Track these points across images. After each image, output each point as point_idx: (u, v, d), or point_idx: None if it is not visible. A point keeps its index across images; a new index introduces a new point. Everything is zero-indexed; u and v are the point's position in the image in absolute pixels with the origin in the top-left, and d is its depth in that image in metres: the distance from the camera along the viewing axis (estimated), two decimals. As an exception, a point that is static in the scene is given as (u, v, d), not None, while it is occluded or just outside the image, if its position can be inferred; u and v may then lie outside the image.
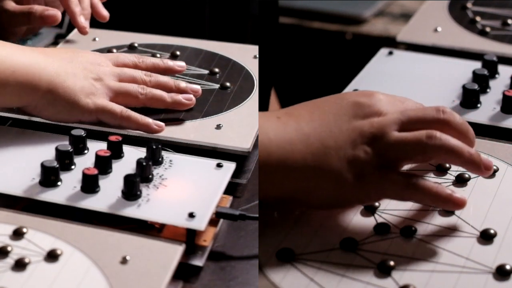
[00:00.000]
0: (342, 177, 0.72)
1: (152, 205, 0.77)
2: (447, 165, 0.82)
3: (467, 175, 0.80)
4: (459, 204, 0.73)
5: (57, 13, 0.99)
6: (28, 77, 0.85)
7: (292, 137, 0.73)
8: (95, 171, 0.78)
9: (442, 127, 0.75)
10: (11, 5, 1.02)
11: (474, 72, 0.94)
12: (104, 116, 0.88)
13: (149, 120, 0.88)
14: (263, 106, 1.17)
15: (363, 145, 0.73)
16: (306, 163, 0.72)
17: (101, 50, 1.06)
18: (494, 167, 0.81)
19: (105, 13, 1.06)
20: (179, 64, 0.97)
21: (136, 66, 0.94)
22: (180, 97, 0.92)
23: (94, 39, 1.09)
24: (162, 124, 0.89)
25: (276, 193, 0.73)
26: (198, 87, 0.94)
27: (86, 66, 0.90)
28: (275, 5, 1.15)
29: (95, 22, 1.11)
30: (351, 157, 0.72)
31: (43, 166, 0.79)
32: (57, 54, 0.89)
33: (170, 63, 0.96)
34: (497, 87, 0.94)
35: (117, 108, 0.88)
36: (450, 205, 0.73)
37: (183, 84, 0.93)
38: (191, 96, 0.92)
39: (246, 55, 1.06)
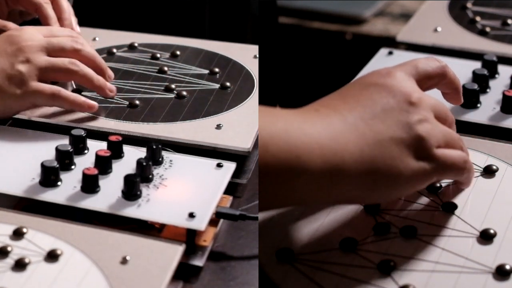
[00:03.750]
0: (404, 162, 0.68)
1: (152, 205, 0.77)
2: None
3: (467, 175, 0.80)
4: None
5: None
6: None
7: (341, 129, 0.67)
8: (95, 171, 0.78)
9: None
10: None
11: (474, 72, 0.94)
12: (35, 101, 0.88)
13: (81, 99, 0.89)
14: (264, 105, 1.16)
15: (415, 126, 0.69)
16: (363, 155, 0.67)
17: (101, 50, 1.07)
18: (494, 167, 0.81)
19: (77, 31, 1.04)
20: (110, 87, 0.95)
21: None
22: (107, 84, 0.93)
23: (94, 39, 1.10)
24: (94, 104, 0.90)
25: (323, 199, 0.69)
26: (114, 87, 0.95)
27: (13, 51, 0.89)
28: (273, 5, 1.15)
29: (95, 22, 1.11)
30: (407, 140, 0.68)
31: (43, 166, 0.79)
32: None
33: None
34: (497, 87, 0.94)
35: (47, 89, 0.88)
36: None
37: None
38: (114, 88, 0.94)
39: (246, 55, 1.06)
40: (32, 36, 0.91)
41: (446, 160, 0.70)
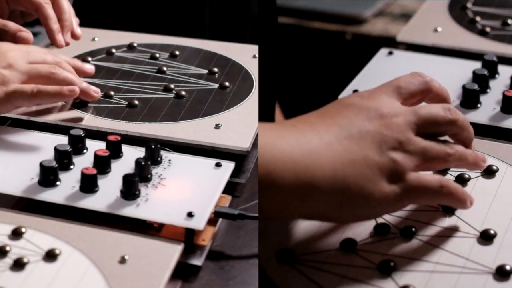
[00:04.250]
0: (375, 184, 0.68)
1: (151, 205, 0.76)
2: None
3: (467, 175, 0.80)
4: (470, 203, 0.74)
5: (29, 36, 0.97)
6: None
7: (316, 145, 0.67)
8: (94, 171, 0.78)
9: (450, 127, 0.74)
10: None
11: (474, 72, 0.94)
12: (17, 101, 0.87)
13: (62, 88, 0.88)
14: (268, 110, 1.16)
15: (390, 150, 0.69)
16: (335, 173, 0.67)
17: (100, 50, 1.07)
18: (494, 168, 0.81)
19: (78, 32, 1.03)
20: (89, 67, 0.96)
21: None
22: (90, 86, 0.92)
23: (94, 39, 1.09)
24: (74, 87, 0.89)
25: (295, 214, 0.70)
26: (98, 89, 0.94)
27: None
28: (273, 5, 1.15)
29: (95, 22, 1.11)
30: (381, 163, 0.68)
31: (42, 166, 0.79)
32: None
33: (79, 63, 0.95)
34: (497, 87, 0.94)
35: (27, 87, 0.87)
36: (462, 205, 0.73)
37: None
38: (98, 89, 0.93)
39: (246, 55, 1.06)
40: (13, 48, 0.90)
41: (418, 185, 0.70)
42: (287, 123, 0.69)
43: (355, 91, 0.94)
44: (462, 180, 0.80)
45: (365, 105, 0.71)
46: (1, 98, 0.86)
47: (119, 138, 0.84)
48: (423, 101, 0.76)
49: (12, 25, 0.98)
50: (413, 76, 0.75)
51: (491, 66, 0.96)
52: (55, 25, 1.00)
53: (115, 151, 0.83)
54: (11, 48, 0.90)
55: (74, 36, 1.03)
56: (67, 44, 1.00)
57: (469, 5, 1.12)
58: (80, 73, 0.96)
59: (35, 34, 1.13)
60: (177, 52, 1.06)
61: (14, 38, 0.97)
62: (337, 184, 0.67)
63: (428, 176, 0.71)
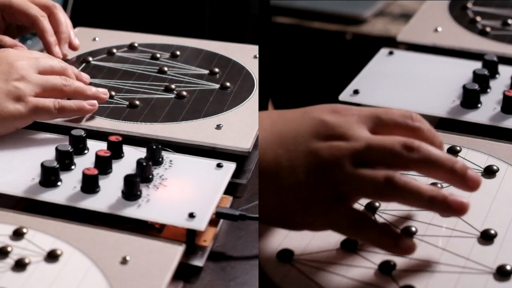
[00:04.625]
0: (289, 200, 0.68)
1: (152, 205, 0.77)
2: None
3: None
4: (406, 251, 0.68)
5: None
6: None
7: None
8: (95, 171, 0.78)
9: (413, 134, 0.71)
10: None
11: (474, 72, 0.94)
12: (39, 116, 0.87)
13: (82, 103, 0.89)
14: (264, 105, 1.17)
15: (317, 172, 0.68)
16: (261, 178, 0.69)
17: (101, 50, 1.07)
18: (495, 167, 0.81)
19: (76, 43, 1.03)
20: (86, 76, 0.96)
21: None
22: (98, 89, 0.92)
23: (94, 39, 1.10)
24: (94, 102, 0.90)
25: None
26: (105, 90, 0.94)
27: (3, 68, 0.87)
28: (267, 4, 1.15)
29: (95, 22, 1.11)
30: (302, 182, 0.68)
31: (43, 166, 0.79)
32: None
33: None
34: (497, 87, 0.94)
35: (49, 103, 0.87)
36: (396, 251, 0.68)
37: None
38: (106, 90, 0.93)
39: (246, 55, 1.06)
40: (19, 55, 0.89)
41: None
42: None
43: (355, 91, 0.94)
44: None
45: (324, 120, 0.70)
46: (24, 115, 0.85)
47: (120, 138, 0.84)
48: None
49: (7, 40, 0.98)
50: (403, 115, 0.72)
51: (491, 66, 0.96)
52: (51, 38, 1.00)
53: (116, 152, 0.83)
54: (18, 57, 0.89)
55: (73, 47, 1.03)
56: (64, 56, 1.00)
57: (469, 5, 1.12)
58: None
59: (26, 40, 1.14)
60: (178, 52, 1.06)
61: None
62: (261, 186, 0.69)
63: (341, 210, 0.68)
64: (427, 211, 0.75)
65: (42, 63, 0.90)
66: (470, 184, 0.69)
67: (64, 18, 1.02)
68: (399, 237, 0.68)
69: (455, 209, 0.67)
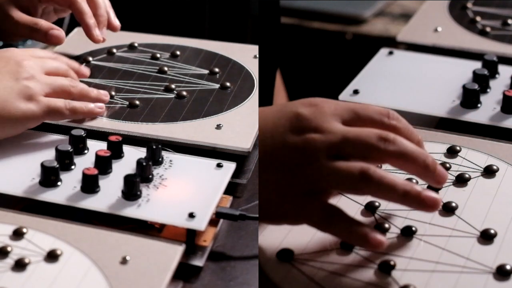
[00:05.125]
0: (268, 194, 0.69)
1: (152, 205, 0.77)
2: (447, 165, 0.82)
3: (467, 175, 0.80)
4: (376, 245, 0.67)
5: (61, 34, 0.96)
6: None
7: None
8: (95, 171, 0.78)
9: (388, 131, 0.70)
10: (17, 14, 0.98)
11: (474, 72, 0.94)
12: (51, 117, 0.86)
13: (92, 106, 0.89)
14: (264, 105, 1.17)
15: (293, 166, 0.68)
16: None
17: (101, 50, 1.07)
18: (494, 167, 0.81)
19: (116, 23, 1.03)
20: (86, 70, 0.96)
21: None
22: (100, 91, 0.93)
23: (94, 39, 1.09)
24: (103, 105, 0.90)
25: None
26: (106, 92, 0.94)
27: (12, 67, 0.85)
28: (276, 5, 1.15)
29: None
30: (278, 176, 0.68)
31: (43, 166, 0.79)
32: None
33: (77, 65, 0.95)
34: (497, 87, 0.94)
35: (61, 103, 0.86)
36: (365, 246, 0.68)
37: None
38: (106, 92, 0.93)
39: (246, 55, 1.06)
40: (25, 55, 0.88)
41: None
42: None
43: (355, 91, 0.94)
44: (462, 180, 0.80)
45: (299, 113, 0.70)
46: (37, 115, 0.84)
47: (120, 138, 0.84)
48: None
49: (43, 23, 0.96)
50: (380, 112, 0.72)
51: (491, 66, 0.96)
52: (91, 20, 0.98)
53: (116, 152, 0.83)
54: (24, 56, 0.88)
55: (113, 28, 1.02)
56: (103, 40, 0.99)
57: (469, 5, 1.12)
58: (78, 75, 0.96)
59: (25, 40, 1.13)
60: (178, 52, 1.06)
61: (46, 36, 0.96)
62: None
63: (314, 205, 0.69)
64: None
65: (49, 64, 0.89)
66: (437, 179, 0.70)
67: (102, 1, 1.01)
68: (369, 233, 0.67)
69: (427, 205, 0.68)
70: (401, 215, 0.75)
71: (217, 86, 0.99)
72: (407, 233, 0.73)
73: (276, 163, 0.69)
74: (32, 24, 0.96)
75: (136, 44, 1.08)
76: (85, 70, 0.97)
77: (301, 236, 0.73)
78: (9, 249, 0.71)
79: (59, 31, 0.96)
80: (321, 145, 0.68)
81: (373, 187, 0.67)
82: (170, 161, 0.83)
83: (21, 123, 0.84)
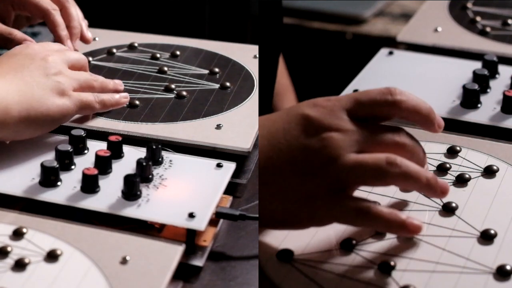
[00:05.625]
0: (290, 198, 0.69)
1: (152, 205, 0.77)
2: (447, 165, 0.82)
3: (467, 175, 0.80)
4: (414, 230, 0.69)
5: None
6: None
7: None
8: (95, 171, 0.78)
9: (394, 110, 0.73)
10: None
11: (474, 72, 0.94)
12: (83, 111, 0.87)
13: (116, 96, 0.91)
14: (264, 105, 1.17)
15: (315, 167, 0.68)
16: (261, 180, 0.69)
17: (101, 50, 1.07)
18: (494, 167, 0.81)
19: (88, 36, 1.03)
20: (118, 82, 0.96)
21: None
22: (115, 81, 0.94)
23: (94, 39, 1.09)
24: (127, 95, 0.92)
25: None
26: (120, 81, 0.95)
27: (39, 63, 0.85)
28: (278, 5, 1.15)
29: (95, 22, 1.11)
30: (301, 180, 0.68)
31: (43, 166, 0.79)
32: (2, 69, 0.84)
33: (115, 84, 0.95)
34: (497, 87, 0.94)
35: (91, 97, 0.87)
36: (404, 232, 0.69)
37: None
38: (127, 94, 0.94)
39: (246, 55, 1.06)
40: (46, 50, 0.88)
41: (341, 205, 0.69)
42: None
43: (355, 91, 0.94)
44: (462, 180, 0.80)
45: (307, 115, 0.71)
46: (71, 110, 0.85)
47: (120, 138, 0.84)
48: (391, 118, 0.74)
49: (17, 33, 0.96)
50: (381, 92, 0.73)
51: (491, 66, 0.96)
52: (63, 32, 0.98)
53: (116, 152, 0.83)
54: (47, 52, 0.88)
55: (85, 40, 1.02)
56: (75, 50, 1.00)
57: (469, 5, 1.12)
58: (83, 40, 0.99)
59: (35, 34, 1.14)
60: (178, 52, 1.06)
61: None
62: (260, 188, 0.69)
63: (344, 201, 0.69)
64: (426, 211, 0.75)
65: (70, 56, 0.90)
66: (441, 193, 0.72)
67: (76, 13, 1.01)
68: (405, 220, 0.69)
69: (442, 192, 0.71)
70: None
71: (217, 86, 0.99)
72: (407, 233, 0.73)
73: (295, 167, 0.69)
74: (7, 34, 0.96)
75: (136, 44, 1.08)
76: (88, 36, 1.00)
77: (301, 236, 0.73)
78: (9, 249, 0.71)
79: (32, 42, 0.97)
80: (341, 142, 0.69)
81: (400, 175, 0.69)
82: (170, 161, 0.83)
83: (58, 119, 0.84)
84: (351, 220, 0.69)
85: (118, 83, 0.94)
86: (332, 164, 0.69)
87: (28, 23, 1.05)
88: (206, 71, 1.02)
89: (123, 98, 0.92)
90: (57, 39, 0.98)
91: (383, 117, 0.73)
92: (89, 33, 1.03)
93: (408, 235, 0.72)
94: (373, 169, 0.69)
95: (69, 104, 0.85)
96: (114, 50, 1.07)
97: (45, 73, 0.85)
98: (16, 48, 0.89)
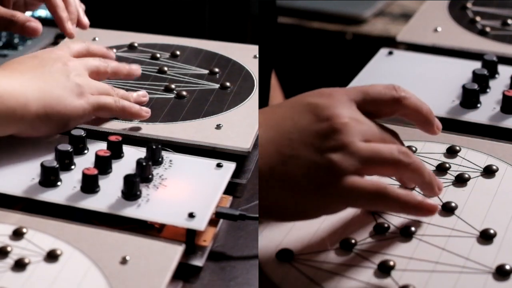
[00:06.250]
0: (301, 186, 0.68)
1: (152, 205, 0.77)
2: (447, 165, 0.82)
3: (467, 175, 0.80)
4: (430, 210, 0.71)
5: (38, 26, 0.96)
6: (10, 108, 0.80)
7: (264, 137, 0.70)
8: (95, 171, 0.78)
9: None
10: None
11: (474, 72, 0.94)
12: (101, 113, 0.88)
13: (141, 110, 0.90)
14: (263, 104, 1.17)
15: (327, 152, 0.68)
16: (262, 174, 0.69)
17: (101, 50, 1.06)
18: (494, 167, 0.81)
19: (85, 21, 1.02)
20: (135, 68, 0.97)
21: (87, 51, 0.93)
22: (139, 94, 0.94)
23: (94, 39, 1.10)
24: (148, 109, 0.90)
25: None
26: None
27: (60, 66, 0.87)
28: (273, 5, 1.15)
29: (95, 22, 1.11)
30: (312, 165, 0.68)
31: (43, 166, 0.79)
32: (25, 67, 0.85)
33: (127, 67, 0.95)
34: (497, 87, 0.94)
35: (111, 100, 0.88)
36: (421, 212, 0.71)
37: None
38: (148, 109, 0.93)
39: (246, 55, 1.06)
40: (66, 56, 0.89)
41: (356, 188, 0.69)
42: None
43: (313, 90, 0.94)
44: (462, 179, 0.80)
45: (318, 104, 0.71)
46: (87, 110, 0.86)
47: (120, 138, 0.84)
48: (392, 115, 0.75)
49: (20, 16, 0.96)
50: (387, 87, 0.75)
51: (491, 66, 0.96)
52: (64, 14, 0.98)
53: (116, 152, 0.83)
54: (67, 57, 0.89)
55: (82, 26, 1.01)
56: (72, 35, 0.99)
57: (469, 5, 1.12)
58: (109, 57, 0.97)
59: (26, 40, 1.13)
60: (177, 52, 1.06)
61: (23, 29, 0.96)
62: (266, 181, 0.69)
63: (367, 180, 0.70)
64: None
65: (90, 63, 0.90)
66: (437, 190, 0.75)
67: None
68: (422, 201, 0.71)
69: (430, 210, 0.72)
70: (401, 215, 0.75)
71: (217, 86, 0.99)
72: (407, 233, 0.73)
73: (306, 152, 0.69)
74: (9, 16, 0.96)
75: (136, 44, 1.08)
76: (111, 54, 0.98)
77: (301, 236, 0.73)
78: (9, 249, 0.71)
79: (36, 23, 0.96)
80: (353, 129, 0.70)
81: (410, 165, 0.71)
82: (170, 161, 0.83)
83: (74, 119, 0.85)
84: (366, 201, 0.70)
85: (142, 94, 0.93)
86: (345, 149, 0.69)
87: (25, 9, 1.05)
88: (206, 71, 1.02)
89: (145, 112, 0.90)
90: (57, 20, 0.98)
91: (387, 112, 0.75)
92: (85, 18, 1.02)
93: (423, 216, 0.73)
94: (387, 156, 0.70)
95: (86, 106, 0.85)
96: (114, 50, 1.06)
97: (66, 74, 0.86)
98: (39, 51, 0.91)
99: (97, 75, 0.91)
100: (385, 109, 0.74)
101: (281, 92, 1.34)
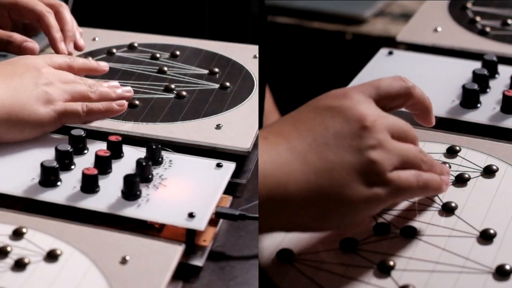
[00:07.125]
0: (355, 189, 0.67)
1: (152, 205, 0.77)
2: (447, 165, 0.82)
3: (467, 175, 0.80)
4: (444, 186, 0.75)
5: (35, 46, 0.97)
6: None
7: (287, 158, 0.67)
8: (95, 171, 0.78)
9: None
10: None
11: (474, 72, 0.94)
12: (68, 120, 0.87)
13: (111, 104, 0.90)
14: (263, 106, 1.17)
15: (367, 150, 0.68)
16: (309, 184, 0.66)
17: (101, 50, 1.07)
18: (494, 167, 0.81)
19: (81, 43, 1.03)
20: (104, 64, 0.97)
21: (69, 66, 0.93)
22: (124, 88, 0.94)
23: (94, 39, 1.10)
24: (123, 102, 0.90)
25: (279, 227, 0.69)
26: (129, 87, 0.95)
27: (32, 73, 0.87)
28: (262, 4, 1.15)
29: (95, 22, 1.11)
30: (359, 167, 0.68)
31: (43, 166, 0.79)
32: None
33: (95, 64, 0.96)
34: (497, 87, 0.94)
35: (78, 106, 0.88)
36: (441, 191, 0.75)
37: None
38: (131, 88, 0.94)
39: (246, 55, 1.06)
40: (42, 62, 0.89)
41: (401, 183, 0.69)
42: (260, 136, 0.69)
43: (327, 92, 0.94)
44: (462, 179, 0.80)
45: (341, 106, 0.70)
46: (53, 118, 0.86)
47: (120, 138, 0.84)
48: (403, 106, 0.76)
49: (17, 36, 0.97)
50: (395, 79, 0.75)
51: (491, 66, 0.96)
52: (57, 34, 0.99)
53: (116, 152, 0.83)
54: (42, 64, 0.89)
55: (77, 48, 1.02)
56: (69, 53, 1.00)
57: (469, 5, 1.12)
58: (97, 72, 0.97)
59: (35, 35, 1.14)
60: (177, 52, 1.06)
61: (20, 49, 0.97)
62: (312, 195, 0.66)
63: (406, 173, 0.70)
64: (426, 211, 0.75)
65: (65, 75, 0.90)
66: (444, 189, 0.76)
67: (70, 18, 1.02)
68: (440, 185, 0.74)
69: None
70: (401, 215, 0.75)
71: (217, 86, 0.99)
72: (407, 233, 0.73)
73: (348, 154, 0.68)
74: (7, 37, 0.97)
75: (136, 44, 1.08)
76: (103, 66, 0.98)
77: (301, 236, 0.73)
78: (9, 249, 0.71)
79: (32, 43, 0.98)
80: (382, 127, 0.70)
81: (428, 163, 0.73)
82: (170, 161, 0.83)
83: (39, 126, 0.85)
84: (413, 192, 0.71)
85: (126, 90, 0.93)
86: (383, 145, 0.69)
87: (25, 33, 1.05)
88: (206, 71, 1.02)
89: (118, 105, 0.90)
90: (51, 41, 0.99)
91: (398, 104, 0.76)
92: (81, 40, 1.03)
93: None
94: (414, 155, 0.71)
95: (52, 113, 0.86)
96: (114, 50, 1.07)
97: (35, 82, 0.86)
98: (16, 57, 0.91)
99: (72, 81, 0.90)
100: (396, 101, 0.75)
101: (273, 100, 1.34)
